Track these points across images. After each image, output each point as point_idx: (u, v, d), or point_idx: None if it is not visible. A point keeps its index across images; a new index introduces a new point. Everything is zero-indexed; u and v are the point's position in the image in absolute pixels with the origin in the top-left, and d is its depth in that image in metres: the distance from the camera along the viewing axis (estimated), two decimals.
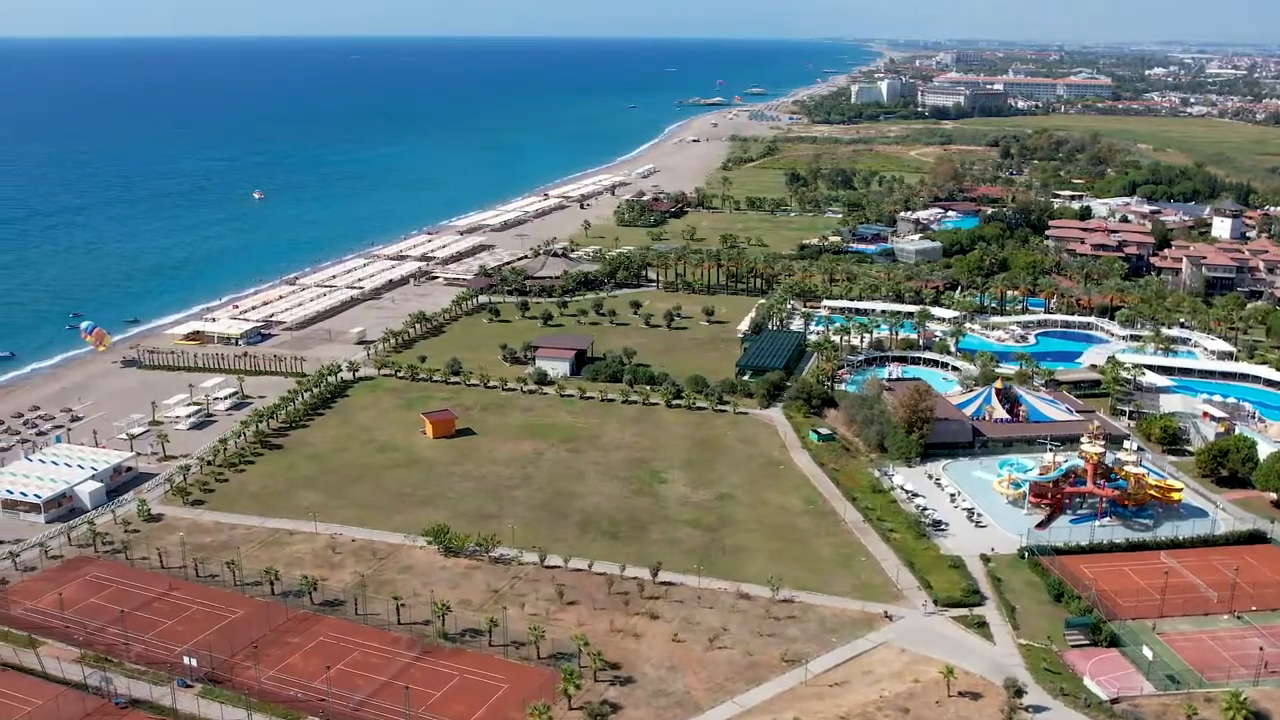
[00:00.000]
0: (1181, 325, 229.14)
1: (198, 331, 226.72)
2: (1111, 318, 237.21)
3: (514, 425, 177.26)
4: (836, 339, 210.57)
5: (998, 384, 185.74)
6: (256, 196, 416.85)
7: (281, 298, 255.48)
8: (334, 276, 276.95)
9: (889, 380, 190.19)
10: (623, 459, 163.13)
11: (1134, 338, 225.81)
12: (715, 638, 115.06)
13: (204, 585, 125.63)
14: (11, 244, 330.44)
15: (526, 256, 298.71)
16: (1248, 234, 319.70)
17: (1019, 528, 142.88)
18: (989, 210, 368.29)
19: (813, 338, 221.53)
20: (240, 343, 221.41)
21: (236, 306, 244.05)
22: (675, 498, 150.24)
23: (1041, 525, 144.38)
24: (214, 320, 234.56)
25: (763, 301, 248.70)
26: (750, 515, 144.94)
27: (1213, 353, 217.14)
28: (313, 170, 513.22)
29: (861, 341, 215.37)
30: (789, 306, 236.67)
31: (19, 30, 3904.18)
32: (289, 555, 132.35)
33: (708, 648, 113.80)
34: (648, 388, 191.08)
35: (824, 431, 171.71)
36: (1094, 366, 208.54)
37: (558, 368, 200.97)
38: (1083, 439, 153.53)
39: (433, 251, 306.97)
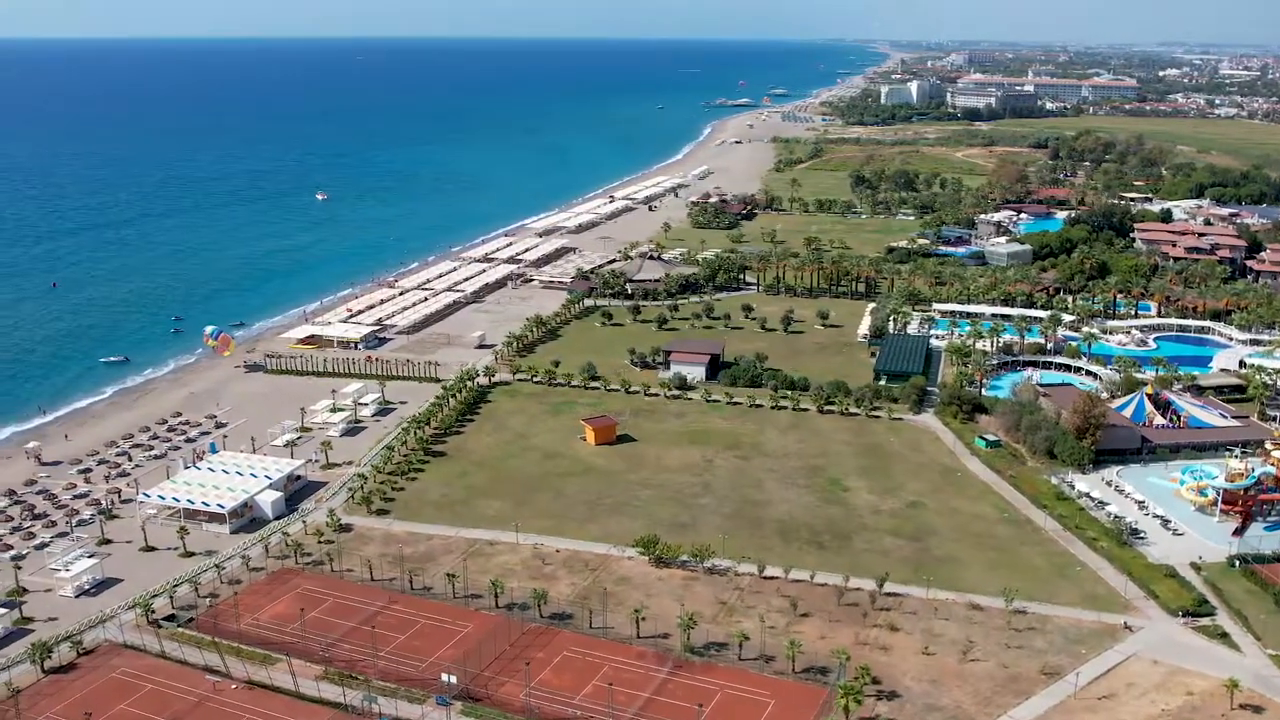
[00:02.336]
0: None
1: (314, 335, 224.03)
2: (1221, 321, 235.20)
3: (671, 431, 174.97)
4: (974, 343, 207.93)
5: (1148, 389, 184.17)
6: (320, 198, 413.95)
7: (384, 301, 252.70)
8: (428, 280, 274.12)
9: (1041, 386, 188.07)
10: (796, 466, 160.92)
11: (1254, 342, 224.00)
12: (967, 651, 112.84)
13: (422, 598, 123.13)
14: (105, 250, 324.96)
15: (616, 259, 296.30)
16: None
17: (1216, 535, 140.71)
18: (1057, 213, 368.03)
19: (935, 342, 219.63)
20: (360, 346, 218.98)
21: (350, 310, 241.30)
22: (864, 506, 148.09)
23: (1237, 532, 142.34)
24: (328, 324, 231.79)
25: (874, 305, 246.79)
26: (948, 524, 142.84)
27: None
28: (367, 171, 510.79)
29: (992, 346, 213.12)
30: (905, 310, 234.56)
31: (31, 31, 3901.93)
32: (498, 566, 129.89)
33: (961, 660, 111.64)
34: (789, 392, 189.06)
35: (991, 438, 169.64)
36: (1225, 370, 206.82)
37: (693, 372, 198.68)
38: (1268, 445, 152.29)
39: (519, 254, 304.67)
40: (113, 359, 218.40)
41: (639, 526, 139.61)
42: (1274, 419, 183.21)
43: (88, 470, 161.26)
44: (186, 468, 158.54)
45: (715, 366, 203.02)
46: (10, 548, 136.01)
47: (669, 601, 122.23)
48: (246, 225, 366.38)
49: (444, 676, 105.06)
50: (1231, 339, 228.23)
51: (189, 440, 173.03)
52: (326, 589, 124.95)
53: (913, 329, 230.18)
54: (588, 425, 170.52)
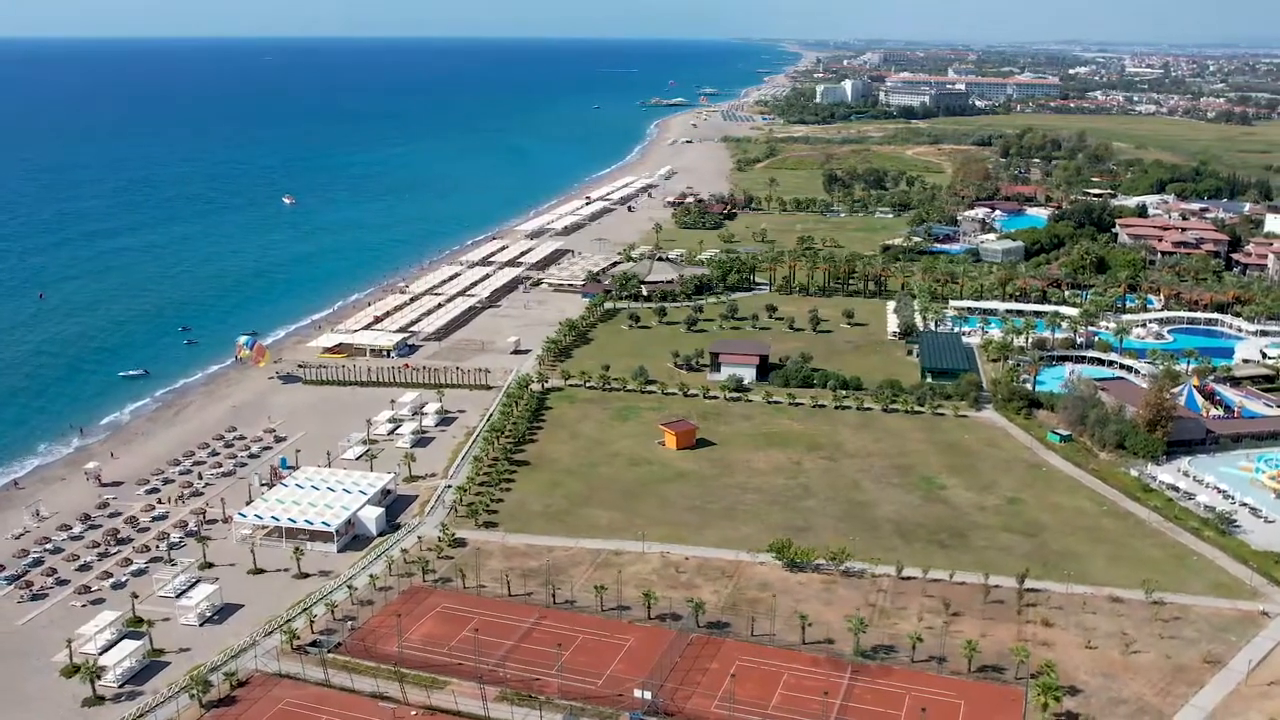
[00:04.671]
0: None
1: (342, 344, 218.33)
2: (1227, 313, 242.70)
3: (745, 434, 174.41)
4: (1014, 340, 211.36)
5: (1195, 381, 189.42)
6: (287, 202, 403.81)
7: (399, 307, 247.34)
8: (437, 285, 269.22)
9: (1098, 380, 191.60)
10: (885, 466, 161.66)
11: (1262, 333, 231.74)
12: (1129, 644, 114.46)
13: (570, 612, 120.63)
14: (93, 263, 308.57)
15: (619, 260, 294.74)
16: None
17: None
18: (1028, 209, 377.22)
19: (965, 339, 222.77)
20: (392, 354, 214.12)
21: (376, 317, 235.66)
22: (967, 503, 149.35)
23: None
24: (352, 331, 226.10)
25: (895, 303, 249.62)
26: (1054, 519, 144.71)
27: None
28: (329, 173, 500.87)
29: (1026, 341, 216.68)
30: (936, 307, 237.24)
31: None
32: (634, 576, 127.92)
33: (1124, 653, 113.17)
34: (854, 392, 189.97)
35: (1063, 433, 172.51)
36: (1248, 361, 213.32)
37: (745, 374, 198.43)
38: None
39: (518, 257, 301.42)
40: (132, 373, 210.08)
41: (754, 531, 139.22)
42: None
43: (155, 490, 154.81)
44: (264, 484, 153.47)
45: (764, 368, 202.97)
46: (110, 575, 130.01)
47: (818, 605, 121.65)
48: (225, 231, 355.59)
49: (638, 692, 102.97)
50: (1241, 330, 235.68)
51: (252, 456, 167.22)
52: (468, 607, 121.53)
53: (940, 326, 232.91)
54: (667, 430, 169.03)
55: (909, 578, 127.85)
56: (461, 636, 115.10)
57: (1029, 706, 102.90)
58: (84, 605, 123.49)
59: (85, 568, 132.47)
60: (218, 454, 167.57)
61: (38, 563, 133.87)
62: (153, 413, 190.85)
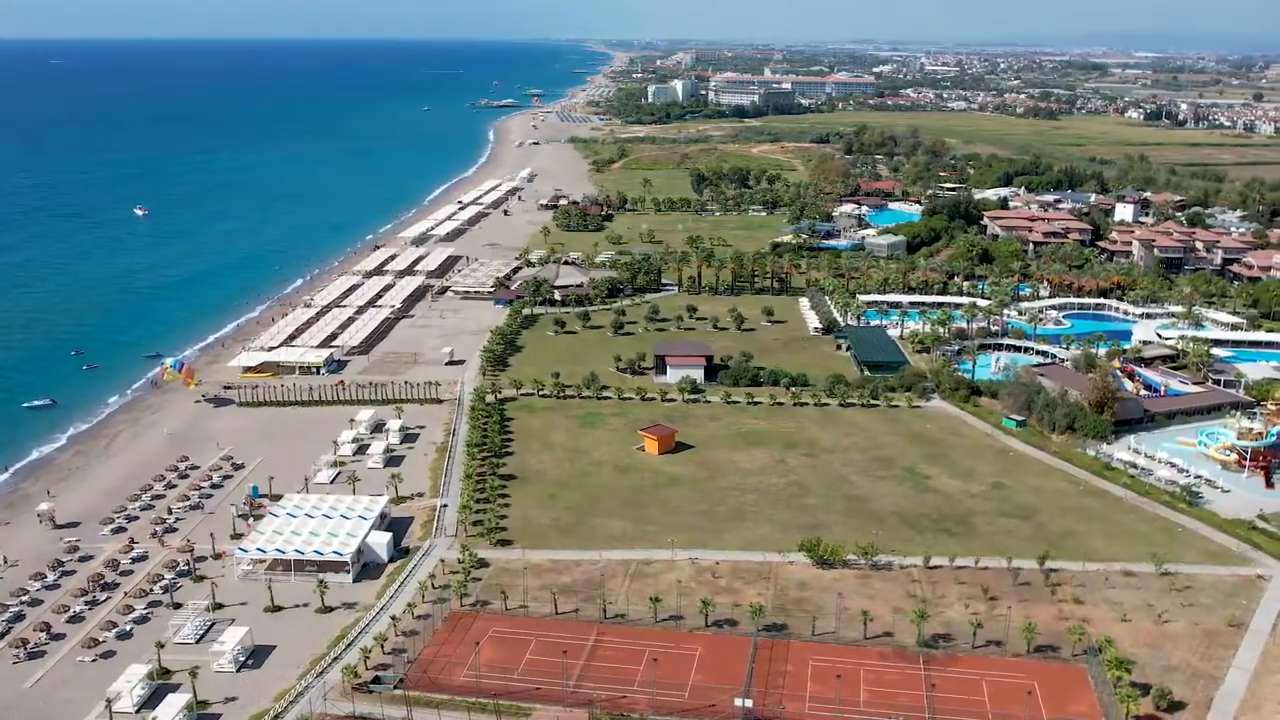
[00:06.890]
0: (1210, 303, 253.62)
1: (266, 363, 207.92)
2: (1107, 298, 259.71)
3: (720, 435, 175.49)
4: (943, 331, 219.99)
5: (1116, 363, 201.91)
6: (139, 213, 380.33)
7: (309, 322, 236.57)
8: (340, 297, 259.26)
9: (1034, 367, 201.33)
10: (864, 459, 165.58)
11: (1147, 315, 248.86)
12: (1160, 614, 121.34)
13: (626, 626, 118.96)
14: None
15: (519, 265, 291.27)
16: (1140, 218, 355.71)
17: (1253, 490, 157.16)
18: (889, 204, 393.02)
19: (889, 332, 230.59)
20: (323, 371, 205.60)
21: (295, 335, 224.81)
22: (956, 491, 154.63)
23: (1270, 485, 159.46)
24: (268, 349, 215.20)
25: (808, 300, 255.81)
26: (1041, 501, 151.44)
27: (1224, 324, 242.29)
28: (174, 182, 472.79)
29: (946, 331, 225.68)
30: (856, 303, 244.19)
31: None
32: (672, 585, 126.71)
33: (1157, 623, 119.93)
34: (795, 390, 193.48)
35: (1018, 418, 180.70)
36: (1147, 343, 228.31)
37: (694, 375, 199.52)
38: (1270, 406, 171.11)
39: (413, 265, 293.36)
40: (38, 403, 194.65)
41: (770, 531, 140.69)
42: (1218, 382, 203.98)
43: (122, 529, 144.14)
44: (242, 516, 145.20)
45: (711, 368, 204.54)
46: (114, 624, 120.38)
47: (861, 600, 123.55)
48: (83, 247, 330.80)
49: (738, 701, 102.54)
50: (1129, 314, 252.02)
51: (215, 486, 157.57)
52: (520, 629, 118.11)
53: (861, 320, 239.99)
54: (647, 435, 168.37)
55: (935, 566, 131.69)
56: (529, 659, 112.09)
57: (1103, 680, 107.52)
58: (93, 659, 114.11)
59: (77, 618, 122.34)
60: (175, 486, 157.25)
61: (19, 617, 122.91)
62: (80, 446, 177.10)
